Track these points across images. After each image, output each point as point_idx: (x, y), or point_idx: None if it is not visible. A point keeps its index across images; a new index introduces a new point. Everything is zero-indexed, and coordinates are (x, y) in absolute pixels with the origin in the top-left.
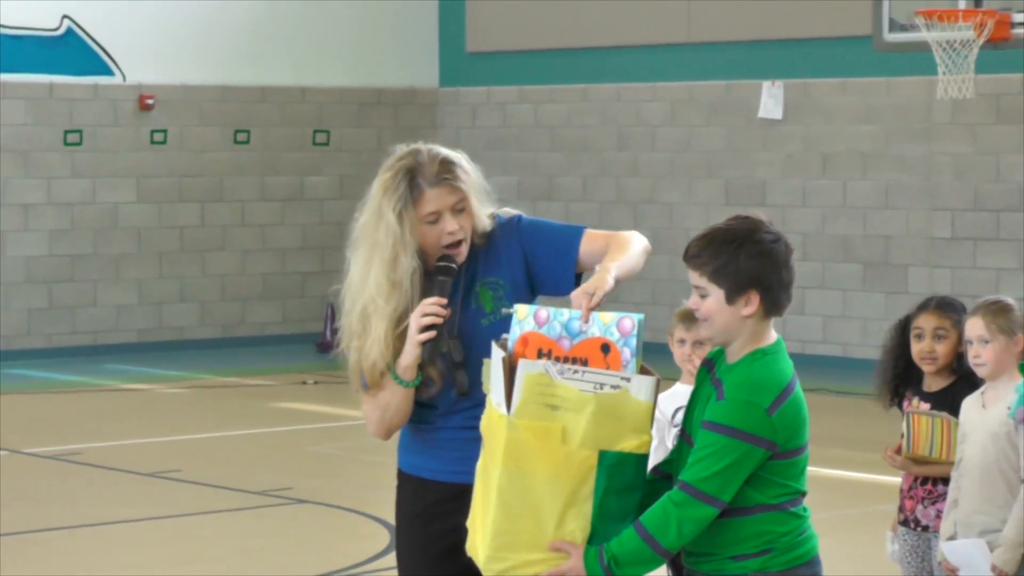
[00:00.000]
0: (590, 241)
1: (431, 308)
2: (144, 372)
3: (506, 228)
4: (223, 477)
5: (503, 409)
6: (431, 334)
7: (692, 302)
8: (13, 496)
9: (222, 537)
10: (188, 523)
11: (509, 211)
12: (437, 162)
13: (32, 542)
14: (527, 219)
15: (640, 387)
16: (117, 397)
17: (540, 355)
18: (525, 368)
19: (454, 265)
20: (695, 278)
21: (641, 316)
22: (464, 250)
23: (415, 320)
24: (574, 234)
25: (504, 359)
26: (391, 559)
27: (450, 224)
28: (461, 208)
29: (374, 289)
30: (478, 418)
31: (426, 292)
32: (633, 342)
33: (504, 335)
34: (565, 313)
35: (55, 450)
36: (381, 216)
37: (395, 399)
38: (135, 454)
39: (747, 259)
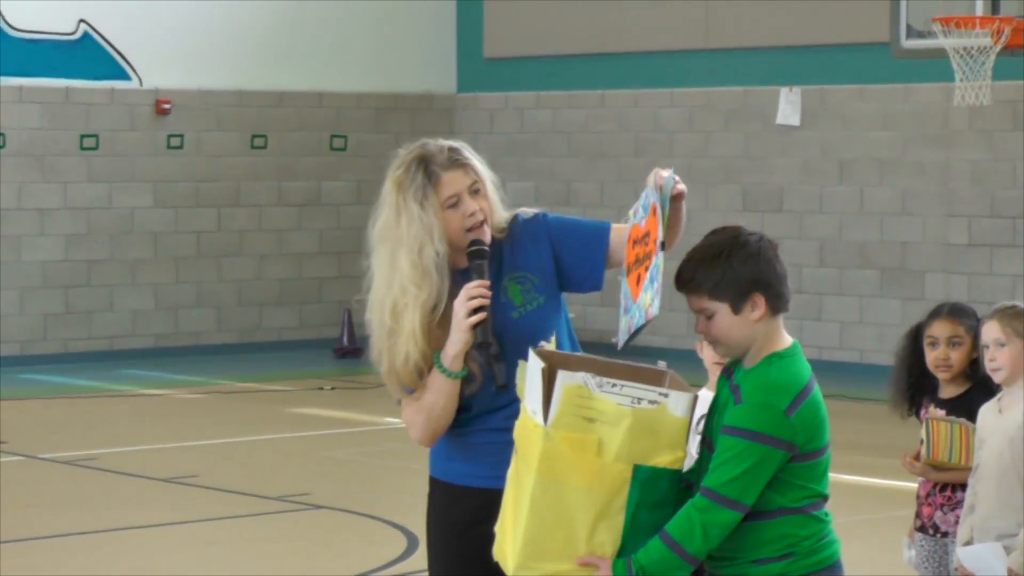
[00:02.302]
0: (618, 235)
1: (476, 291)
2: (161, 377)
3: (531, 223)
4: (240, 482)
5: (539, 419)
6: (482, 316)
7: (699, 327)
8: (29, 502)
9: (239, 542)
10: (205, 528)
11: (529, 210)
12: (446, 149)
13: (48, 548)
14: (552, 215)
15: (678, 403)
16: (134, 402)
17: (635, 244)
18: (564, 379)
19: (486, 247)
20: (695, 302)
21: (671, 171)
22: (487, 231)
23: (461, 305)
24: (602, 229)
25: (544, 370)
26: (409, 564)
27: (470, 205)
28: (477, 189)
29: (405, 279)
30: (514, 419)
31: (457, 285)
32: (666, 189)
33: (543, 342)
34: (644, 196)
35: (71, 455)
36: (401, 209)
37: (442, 397)
38: (152, 459)
39: (740, 264)
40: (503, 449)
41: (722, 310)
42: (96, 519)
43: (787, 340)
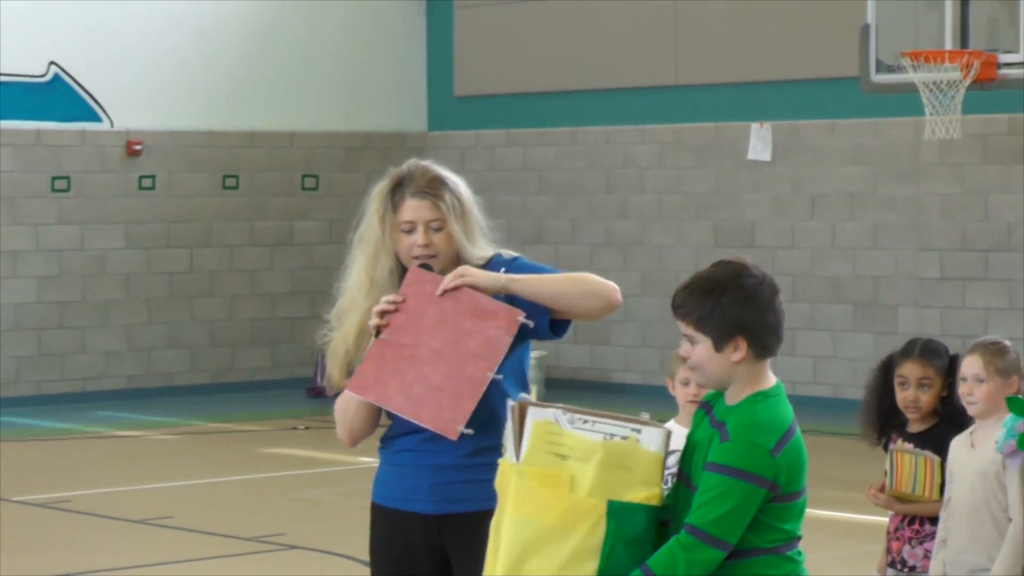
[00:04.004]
0: None
1: (385, 304)
2: (133, 419)
3: (500, 266)
4: (214, 523)
5: (512, 458)
6: (382, 322)
7: (683, 350)
8: (3, 545)
9: None
10: (179, 570)
11: (511, 253)
12: (427, 177)
13: None
14: (523, 261)
15: (650, 438)
16: (106, 444)
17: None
18: (534, 416)
19: (431, 267)
20: (683, 327)
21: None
22: (435, 266)
23: (373, 311)
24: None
25: (514, 407)
26: None
27: (421, 238)
28: (439, 227)
29: (354, 286)
30: (430, 443)
31: None
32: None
33: (522, 394)
34: None
35: (44, 498)
36: (370, 220)
37: (353, 398)
38: (125, 501)
39: (730, 305)
40: (416, 472)
41: (704, 343)
42: (70, 561)
43: (771, 380)
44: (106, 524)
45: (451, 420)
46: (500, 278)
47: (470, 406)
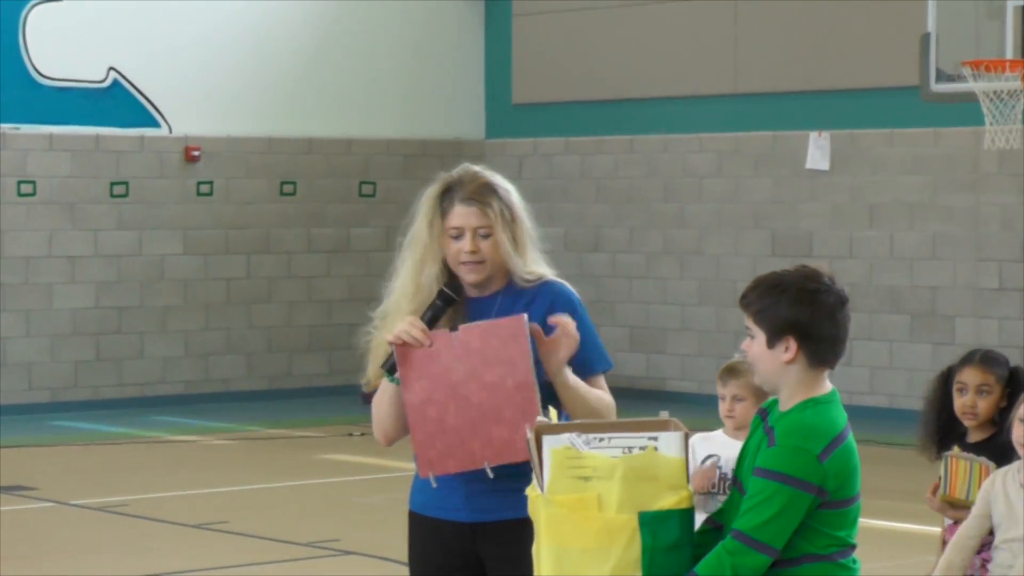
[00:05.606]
0: (593, 380)
1: (412, 329)
2: (191, 424)
3: (549, 291)
4: (270, 529)
5: (538, 488)
6: (396, 350)
7: (744, 344)
8: (60, 548)
9: None
10: (235, 574)
11: (564, 284)
12: (477, 183)
13: None
14: (578, 310)
15: (669, 444)
16: (164, 449)
17: None
18: (550, 444)
19: (455, 297)
20: (746, 320)
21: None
22: (482, 272)
23: (401, 325)
24: (592, 358)
25: (530, 440)
26: None
27: (467, 244)
28: (486, 234)
29: (400, 290)
30: None
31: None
32: None
33: (540, 418)
34: None
35: (102, 501)
36: (419, 225)
37: (384, 396)
38: (182, 506)
39: (788, 304)
40: (449, 481)
41: (759, 338)
42: (126, 565)
43: (826, 387)
44: (163, 528)
45: (430, 463)
46: (559, 373)
47: (452, 469)
